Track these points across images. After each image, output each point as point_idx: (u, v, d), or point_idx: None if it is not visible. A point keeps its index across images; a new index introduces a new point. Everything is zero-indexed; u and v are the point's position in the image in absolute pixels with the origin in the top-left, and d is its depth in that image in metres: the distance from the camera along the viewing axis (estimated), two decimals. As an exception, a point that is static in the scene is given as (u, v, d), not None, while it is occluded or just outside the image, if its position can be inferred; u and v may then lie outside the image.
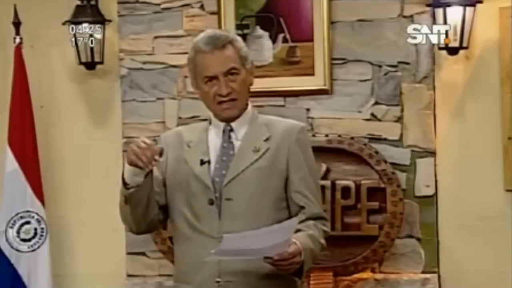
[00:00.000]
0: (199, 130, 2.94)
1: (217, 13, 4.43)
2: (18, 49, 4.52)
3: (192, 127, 3.03)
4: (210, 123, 2.93)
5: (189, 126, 3.05)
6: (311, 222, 2.84)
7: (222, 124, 2.90)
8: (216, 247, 2.65)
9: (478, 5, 4.17)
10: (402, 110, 4.32)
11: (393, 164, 4.26)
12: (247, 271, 2.77)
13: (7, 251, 4.49)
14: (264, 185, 2.79)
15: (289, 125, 2.92)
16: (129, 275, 4.57)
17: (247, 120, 2.90)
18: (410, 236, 4.30)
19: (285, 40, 4.38)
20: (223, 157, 2.86)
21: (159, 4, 4.53)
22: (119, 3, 4.58)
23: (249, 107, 2.93)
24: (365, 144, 4.27)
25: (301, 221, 2.83)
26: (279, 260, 2.66)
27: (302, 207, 2.85)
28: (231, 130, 2.89)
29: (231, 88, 2.83)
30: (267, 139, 2.86)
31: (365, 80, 4.35)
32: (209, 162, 2.85)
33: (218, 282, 2.78)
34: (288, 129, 2.90)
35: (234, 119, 2.89)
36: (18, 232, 4.50)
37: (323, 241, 2.85)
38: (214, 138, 2.90)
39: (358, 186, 4.21)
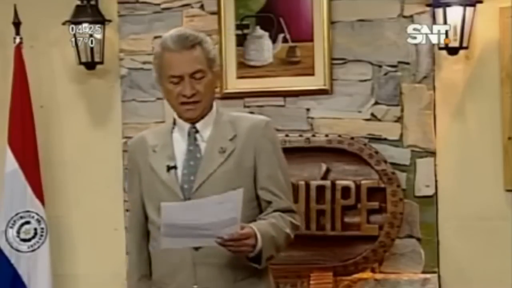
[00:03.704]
0: (163, 133, 2.90)
1: (217, 13, 4.43)
2: (18, 49, 4.52)
3: (155, 130, 2.99)
4: (174, 123, 2.88)
5: (152, 130, 3.01)
6: (277, 213, 2.80)
7: (187, 126, 2.84)
8: (165, 242, 2.64)
9: (478, 5, 4.17)
10: (402, 110, 4.32)
11: (393, 164, 4.25)
12: (223, 277, 2.75)
13: (7, 251, 4.49)
14: (233, 187, 2.72)
15: (255, 122, 2.88)
16: (129, 275, 4.57)
17: (212, 121, 2.85)
18: (410, 236, 4.30)
19: (285, 40, 4.38)
20: (190, 161, 2.81)
21: (159, 4, 4.53)
22: (119, 3, 4.58)
23: (214, 107, 2.88)
24: (365, 144, 4.27)
25: (267, 214, 2.80)
26: (230, 240, 2.62)
27: (269, 202, 2.82)
28: (197, 131, 2.84)
29: (196, 89, 2.78)
30: (232, 138, 2.82)
31: (365, 80, 4.34)
32: (175, 167, 2.81)
33: None
34: (254, 125, 2.85)
35: (197, 120, 2.83)
36: (18, 232, 4.50)
37: (288, 231, 2.80)
38: (180, 141, 2.85)
39: (358, 186, 4.21)
